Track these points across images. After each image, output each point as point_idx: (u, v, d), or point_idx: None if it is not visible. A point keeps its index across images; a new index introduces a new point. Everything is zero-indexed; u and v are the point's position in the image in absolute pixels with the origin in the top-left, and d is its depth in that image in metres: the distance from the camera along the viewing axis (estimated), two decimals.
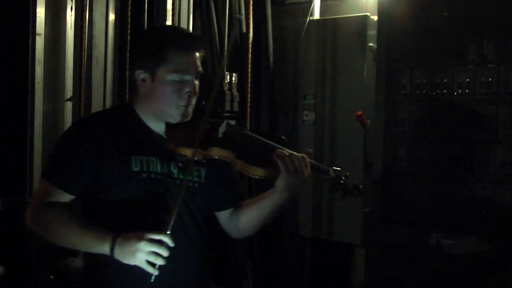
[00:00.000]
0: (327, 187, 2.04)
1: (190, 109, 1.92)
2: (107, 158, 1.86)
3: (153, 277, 1.74)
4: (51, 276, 3.07)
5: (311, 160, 1.92)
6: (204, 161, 1.88)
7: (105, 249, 1.76)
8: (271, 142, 1.94)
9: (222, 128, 1.93)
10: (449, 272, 3.06)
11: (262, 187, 2.14)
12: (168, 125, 1.93)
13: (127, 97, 3.55)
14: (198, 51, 1.92)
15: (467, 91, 3.05)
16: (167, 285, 1.86)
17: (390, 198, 3.26)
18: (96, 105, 3.57)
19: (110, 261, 1.83)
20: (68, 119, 3.43)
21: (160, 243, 1.72)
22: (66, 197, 1.87)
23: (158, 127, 1.94)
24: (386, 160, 3.28)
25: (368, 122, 3.50)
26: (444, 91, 3.12)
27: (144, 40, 2.02)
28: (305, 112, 3.88)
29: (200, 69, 1.94)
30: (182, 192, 1.79)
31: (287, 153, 1.86)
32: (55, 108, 3.41)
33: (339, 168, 1.99)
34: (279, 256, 3.91)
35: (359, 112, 3.49)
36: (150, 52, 1.89)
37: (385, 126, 3.28)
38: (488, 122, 2.98)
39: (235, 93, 3.83)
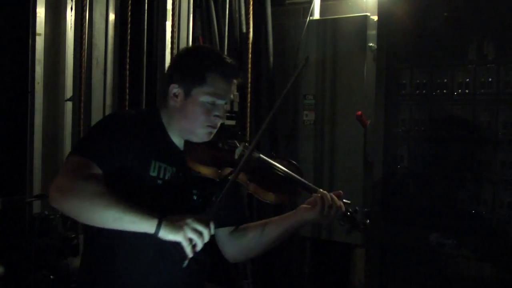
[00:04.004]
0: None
1: (214, 131, 1.97)
2: (131, 156, 1.87)
3: (186, 262, 1.75)
4: (51, 276, 3.07)
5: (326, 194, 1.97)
6: (218, 180, 1.92)
7: (152, 223, 1.73)
8: (287, 170, 2.00)
9: (239, 150, 1.98)
10: (449, 272, 3.06)
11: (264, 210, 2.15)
12: (188, 141, 1.98)
13: (127, 97, 3.56)
14: (236, 79, 1.99)
15: (467, 91, 3.05)
16: (163, 285, 1.89)
17: (390, 198, 3.26)
18: (96, 105, 3.58)
19: (109, 261, 1.85)
20: (68, 119, 3.44)
21: (206, 225, 1.74)
22: (99, 172, 1.81)
23: (178, 141, 1.99)
24: (386, 160, 3.28)
25: (368, 122, 3.50)
26: (444, 91, 3.12)
27: (186, 57, 2.03)
28: (305, 112, 3.88)
29: (233, 96, 2.01)
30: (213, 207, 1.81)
31: (329, 198, 1.94)
32: (55, 108, 3.41)
33: (349, 201, 2.01)
34: (279, 256, 3.91)
35: (359, 112, 3.49)
36: (190, 70, 1.94)
37: (385, 126, 3.28)
38: (488, 122, 2.98)
39: (235, 93, 3.81)
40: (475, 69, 3.02)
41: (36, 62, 3.25)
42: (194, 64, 1.95)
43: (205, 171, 1.92)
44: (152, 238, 1.75)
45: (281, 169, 2.00)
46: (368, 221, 2.04)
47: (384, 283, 3.29)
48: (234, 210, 2.09)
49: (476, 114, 3.02)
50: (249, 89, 3.83)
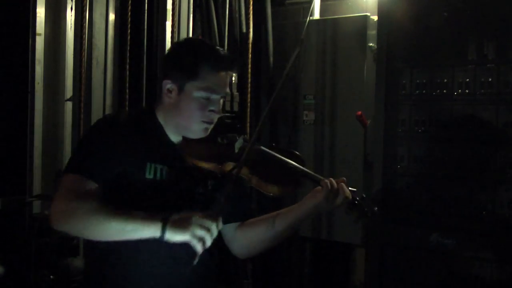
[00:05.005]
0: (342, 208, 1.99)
1: (211, 127, 1.93)
2: (125, 161, 1.85)
3: (196, 259, 1.71)
4: (51, 276, 3.07)
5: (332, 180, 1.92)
6: (219, 175, 1.89)
7: (156, 227, 1.70)
8: (289, 160, 1.95)
9: (238, 144, 1.92)
10: (449, 272, 3.06)
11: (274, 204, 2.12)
12: (186, 138, 1.93)
13: (127, 97, 3.55)
14: (230, 72, 1.94)
15: (467, 91, 3.05)
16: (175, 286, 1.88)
17: (390, 198, 3.26)
18: (96, 105, 3.58)
19: (114, 262, 1.84)
20: (68, 119, 3.44)
21: (213, 219, 1.71)
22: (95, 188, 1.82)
23: (176, 138, 1.95)
24: (386, 160, 3.28)
25: (368, 122, 3.50)
26: (444, 91, 3.12)
27: (178, 51, 1.99)
28: (305, 112, 3.88)
29: (228, 90, 1.97)
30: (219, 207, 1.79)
31: (334, 183, 1.89)
32: (55, 108, 3.41)
33: (354, 189, 1.96)
34: (279, 256, 3.91)
35: (359, 112, 3.49)
36: (182, 65, 1.89)
37: (385, 126, 3.28)
38: (488, 122, 2.98)
39: (235, 93, 3.83)
40: (475, 69, 3.02)
41: (36, 62, 3.25)
42: (186, 58, 1.90)
43: (206, 166, 1.87)
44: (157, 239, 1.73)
45: (283, 160, 1.95)
46: (376, 208, 2.00)
47: (384, 283, 3.29)
48: (240, 206, 2.05)
49: (476, 114, 3.02)
50: (249, 89, 3.83)
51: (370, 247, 3.44)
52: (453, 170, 3.07)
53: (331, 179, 1.91)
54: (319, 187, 1.92)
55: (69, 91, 3.42)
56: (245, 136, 1.97)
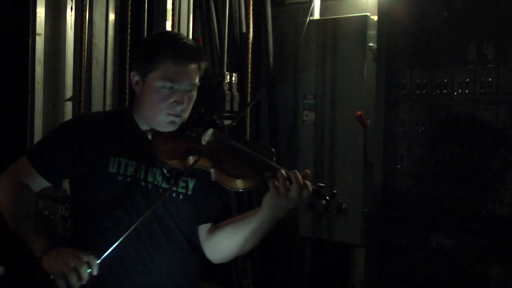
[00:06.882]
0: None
1: (179, 120, 1.90)
2: (88, 156, 1.89)
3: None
4: (51, 276, 3.06)
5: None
6: (184, 170, 1.83)
7: (39, 249, 1.75)
8: (255, 153, 1.82)
9: (206, 137, 1.86)
10: (449, 272, 3.06)
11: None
12: (156, 131, 1.91)
13: (127, 97, 3.55)
14: (193, 62, 1.89)
15: (467, 91, 3.05)
16: (154, 285, 1.88)
17: (390, 198, 3.26)
18: (96, 105, 3.57)
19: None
20: (68, 119, 3.43)
21: (87, 264, 1.66)
22: (40, 181, 1.95)
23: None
24: (386, 160, 3.28)
25: (368, 122, 3.50)
26: (444, 91, 3.12)
27: (142, 43, 2.08)
28: (305, 112, 3.88)
29: (196, 81, 1.91)
30: (158, 202, 1.80)
31: (285, 174, 1.71)
32: (55, 108, 3.41)
33: (323, 184, 1.79)
34: (279, 256, 3.91)
35: (359, 112, 3.49)
36: (144, 55, 1.91)
37: (385, 126, 3.29)
38: (488, 122, 2.98)
39: (235, 93, 3.82)
40: (475, 69, 3.03)
41: (36, 62, 3.25)
42: (147, 49, 1.92)
43: (172, 162, 1.83)
44: (134, 210, 1.82)
45: (249, 152, 1.82)
46: (344, 205, 1.75)
47: (384, 283, 3.29)
48: (211, 206, 1.97)
49: (476, 114, 3.03)
50: (249, 89, 3.83)
51: (370, 247, 3.44)
52: (453, 170, 3.07)
53: (283, 171, 1.73)
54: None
55: (69, 91, 3.42)
56: (214, 129, 1.89)
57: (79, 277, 1.65)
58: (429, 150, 3.16)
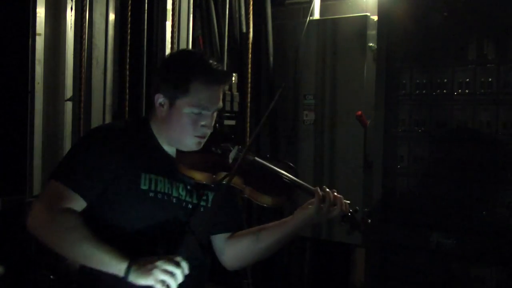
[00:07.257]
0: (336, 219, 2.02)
1: (204, 141, 1.92)
2: (120, 171, 1.84)
3: None
4: (51, 276, 3.07)
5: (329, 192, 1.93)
6: (212, 185, 1.90)
7: (120, 267, 1.71)
8: (282, 171, 1.97)
9: (232, 154, 1.94)
10: (449, 272, 3.06)
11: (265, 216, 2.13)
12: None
13: (127, 97, 3.55)
14: (221, 85, 1.92)
15: (467, 91, 3.05)
16: None
17: (390, 198, 3.26)
18: (96, 105, 3.58)
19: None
20: (68, 119, 3.44)
21: (177, 264, 1.71)
22: (80, 203, 1.81)
23: (170, 149, 1.95)
24: (386, 160, 3.28)
25: (368, 122, 3.50)
26: (444, 91, 3.12)
27: (169, 65, 1.95)
28: (305, 112, 3.88)
29: (221, 104, 1.93)
30: (208, 221, 1.85)
31: (331, 197, 1.91)
32: (55, 108, 3.41)
33: (348, 201, 1.98)
34: (279, 256, 3.91)
35: (359, 112, 3.49)
36: (172, 80, 1.87)
37: (385, 126, 3.28)
38: (488, 122, 2.98)
39: (235, 93, 3.83)
40: (475, 69, 3.02)
41: (36, 62, 3.25)
42: (177, 73, 1.87)
43: (199, 177, 1.88)
44: None
45: (276, 170, 1.97)
46: (370, 220, 2.02)
47: (384, 283, 3.29)
48: (230, 216, 2.06)
49: (476, 114, 3.02)
50: (249, 89, 3.83)
51: (370, 247, 3.44)
52: (453, 170, 3.07)
53: (328, 190, 1.93)
54: (312, 200, 1.93)
55: (69, 91, 3.42)
56: (240, 146, 1.97)
57: (175, 279, 1.71)
58: (429, 150, 3.16)
